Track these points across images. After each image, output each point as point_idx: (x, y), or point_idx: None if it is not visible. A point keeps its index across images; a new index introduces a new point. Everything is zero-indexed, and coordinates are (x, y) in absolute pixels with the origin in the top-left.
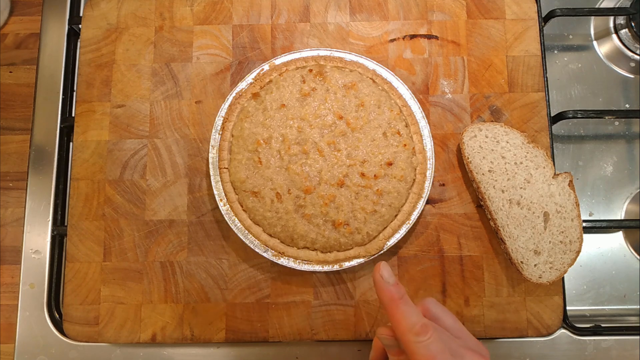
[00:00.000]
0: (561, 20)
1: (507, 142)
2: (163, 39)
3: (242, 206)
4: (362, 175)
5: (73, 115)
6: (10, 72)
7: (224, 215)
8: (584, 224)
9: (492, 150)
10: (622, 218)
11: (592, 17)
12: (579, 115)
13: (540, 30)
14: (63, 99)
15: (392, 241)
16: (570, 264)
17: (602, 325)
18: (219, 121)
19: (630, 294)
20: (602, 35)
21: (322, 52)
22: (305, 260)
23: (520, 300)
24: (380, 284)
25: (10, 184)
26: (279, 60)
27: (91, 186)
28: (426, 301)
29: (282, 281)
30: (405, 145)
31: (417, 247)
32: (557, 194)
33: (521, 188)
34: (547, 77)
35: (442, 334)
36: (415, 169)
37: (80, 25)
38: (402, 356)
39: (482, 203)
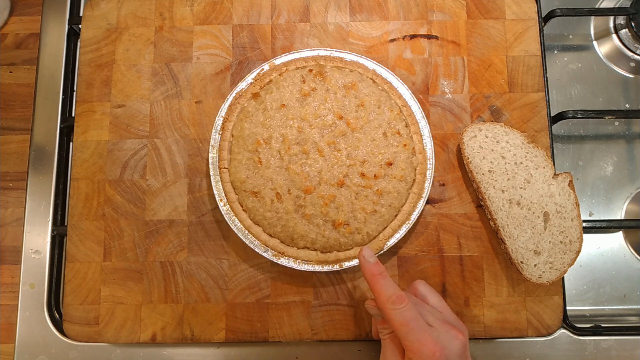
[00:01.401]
0: (561, 20)
1: (507, 142)
2: (163, 39)
3: (242, 206)
4: (362, 175)
5: (73, 115)
6: (10, 72)
7: (224, 215)
8: (584, 224)
9: (492, 150)
10: (622, 218)
11: (592, 17)
12: (579, 115)
13: (540, 30)
14: (63, 99)
15: (392, 241)
16: (570, 264)
17: (602, 325)
18: (219, 121)
19: (630, 294)
20: (602, 35)
21: (322, 52)
22: (305, 260)
23: (520, 300)
24: (363, 263)
25: (10, 184)
26: (279, 60)
27: (91, 186)
28: (416, 282)
29: (282, 281)
30: (405, 145)
31: (417, 247)
32: (557, 194)
33: (521, 188)
34: (547, 77)
35: (422, 308)
36: (415, 169)
37: (80, 25)
38: (385, 324)
39: (482, 203)
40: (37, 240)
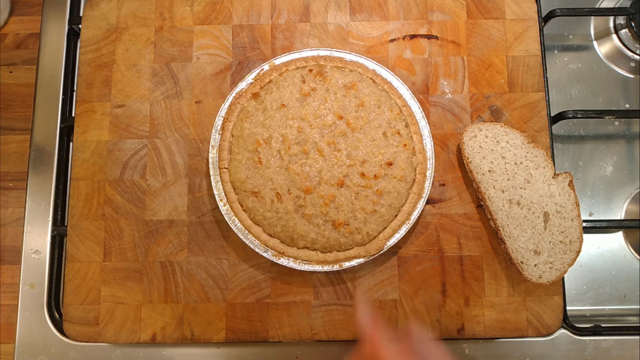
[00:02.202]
0: (561, 20)
1: (507, 142)
2: (163, 39)
3: (242, 206)
4: (362, 175)
5: (73, 115)
6: (10, 72)
7: (224, 215)
8: (584, 224)
9: (492, 150)
10: (622, 218)
11: (592, 17)
12: (579, 115)
13: (540, 30)
14: (63, 99)
15: (392, 241)
16: (570, 264)
17: (602, 325)
18: (219, 121)
19: (630, 294)
20: (602, 35)
21: (322, 52)
22: (305, 260)
23: (520, 300)
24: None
25: (10, 184)
26: (279, 60)
27: (91, 186)
28: (412, 327)
29: (282, 281)
30: (405, 145)
31: (417, 247)
32: (557, 194)
33: (521, 188)
34: (547, 77)
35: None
36: (415, 169)
37: (80, 25)
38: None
39: (482, 203)
40: (37, 240)
